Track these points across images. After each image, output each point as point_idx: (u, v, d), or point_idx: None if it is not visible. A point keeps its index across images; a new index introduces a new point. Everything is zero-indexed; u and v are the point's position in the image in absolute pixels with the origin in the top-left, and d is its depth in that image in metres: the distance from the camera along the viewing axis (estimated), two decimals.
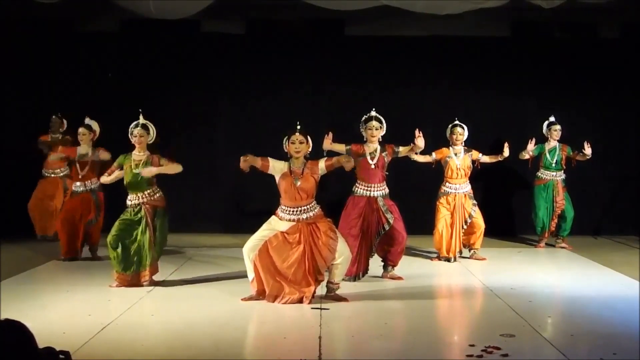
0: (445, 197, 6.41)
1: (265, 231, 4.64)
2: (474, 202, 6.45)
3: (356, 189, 5.50)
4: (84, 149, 6.24)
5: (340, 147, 5.42)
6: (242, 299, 4.67)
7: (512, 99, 7.99)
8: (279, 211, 4.67)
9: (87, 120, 6.28)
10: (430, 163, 6.42)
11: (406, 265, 5.86)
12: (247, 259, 4.61)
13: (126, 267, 5.01)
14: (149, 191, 5.08)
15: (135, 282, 5.05)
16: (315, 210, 4.65)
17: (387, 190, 5.50)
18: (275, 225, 4.65)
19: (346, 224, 5.39)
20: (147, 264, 5.01)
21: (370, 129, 5.43)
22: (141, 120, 5.16)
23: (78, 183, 6.24)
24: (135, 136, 5.12)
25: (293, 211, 4.60)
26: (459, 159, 6.38)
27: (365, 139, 5.51)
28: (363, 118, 5.53)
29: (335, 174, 6.94)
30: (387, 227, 5.40)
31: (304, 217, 4.59)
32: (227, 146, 7.81)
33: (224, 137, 7.92)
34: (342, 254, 4.62)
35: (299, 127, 4.66)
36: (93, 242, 6.29)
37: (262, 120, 7.40)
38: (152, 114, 5.31)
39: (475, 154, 6.47)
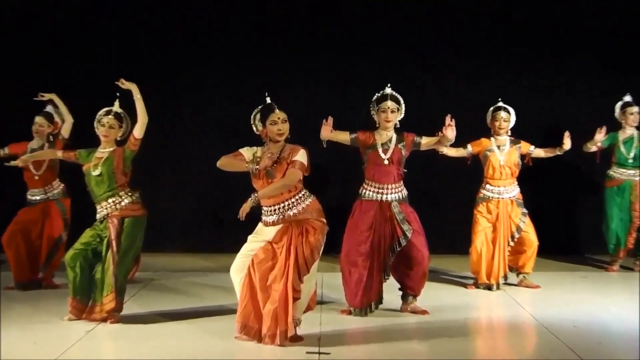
0: (485, 203, 6.30)
1: (251, 243, 4.73)
2: (524, 210, 6.33)
3: (364, 191, 5.41)
4: (36, 142, 6.32)
5: (344, 136, 5.35)
6: (236, 337, 4.66)
7: (571, 74, 7.85)
8: (262, 214, 4.73)
9: (49, 108, 6.35)
10: (464, 158, 6.32)
11: (432, 295, 5.77)
12: (236, 283, 4.70)
13: (83, 293, 5.13)
14: (113, 199, 5.17)
15: (90, 315, 5.14)
16: (307, 202, 4.69)
17: (404, 193, 5.41)
18: (262, 233, 4.73)
19: (353, 238, 5.33)
20: (104, 293, 5.09)
21: (384, 112, 5.35)
22: (115, 107, 5.26)
23: (35, 190, 6.32)
24: (104, 126, 5.21)
25: (275, 210, 4.66)
26: (503, 154, 6.27)
27: (377, 125, 5.43)
28: (375, 97, 5.46)
29: (334, 172, 6.79)
30: (403, 243, 5.30)
31: (291, 214, 4.64)
32: (195, 147, 7.83)
33: (191, 136, 7.90)
34: (309, 280, 4.65)
35: (268, 98, 4.68)
36: (54, 264, 6.35)
37: (236, 116, 7.05)
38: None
39: (525, 146, 6.36)
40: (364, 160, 5.41)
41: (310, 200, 4.71)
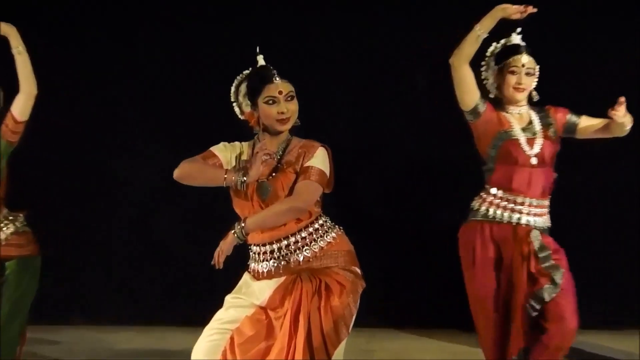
0: None
1: (231, 310, 4.15)
2: None
3: (485, 207, 4.60)
4: None
5: (472, 92, 4.58)
6: None
7: None
8: (250, 259, 4.27)
9: None
10: None
11: None
12: None
13: None
14: None
15: None
16: (327, 238, 4.18)
17: (548, 219, 4.66)
18: (249, 292, 4.20)
19: (482, 287, 4.65)
20: None
21: (512, 72, 4.59)
22: None
23: None
24: None
25: (273, 252, 4.17)
26: None
27: (499, 96, 4.66)
28: (495, 48, 4.70)
29: (376, 174, 6.57)
30: (546, 297, 4.52)
31: (301, 259, 4.12)
32: (129, 141, 7.23)
33: (123, 125, 7.21)
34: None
35: (261, 56, 4.12)
36: None
37: (202, 93, 6.65)
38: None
39: None
40: (490, 157, 4.62)
41: (333, 234, 4.03)
